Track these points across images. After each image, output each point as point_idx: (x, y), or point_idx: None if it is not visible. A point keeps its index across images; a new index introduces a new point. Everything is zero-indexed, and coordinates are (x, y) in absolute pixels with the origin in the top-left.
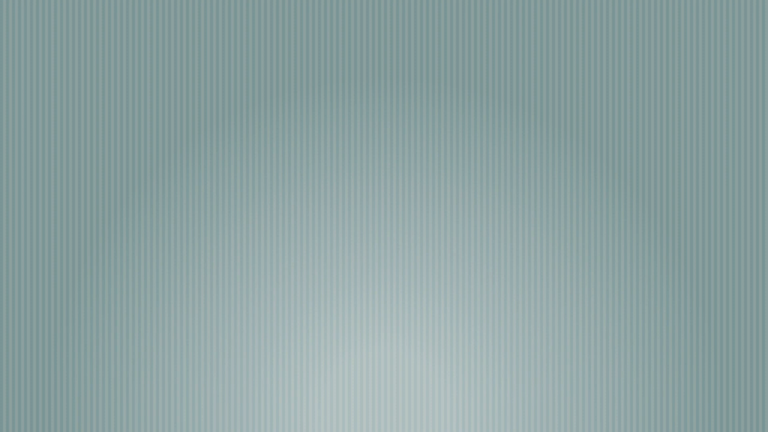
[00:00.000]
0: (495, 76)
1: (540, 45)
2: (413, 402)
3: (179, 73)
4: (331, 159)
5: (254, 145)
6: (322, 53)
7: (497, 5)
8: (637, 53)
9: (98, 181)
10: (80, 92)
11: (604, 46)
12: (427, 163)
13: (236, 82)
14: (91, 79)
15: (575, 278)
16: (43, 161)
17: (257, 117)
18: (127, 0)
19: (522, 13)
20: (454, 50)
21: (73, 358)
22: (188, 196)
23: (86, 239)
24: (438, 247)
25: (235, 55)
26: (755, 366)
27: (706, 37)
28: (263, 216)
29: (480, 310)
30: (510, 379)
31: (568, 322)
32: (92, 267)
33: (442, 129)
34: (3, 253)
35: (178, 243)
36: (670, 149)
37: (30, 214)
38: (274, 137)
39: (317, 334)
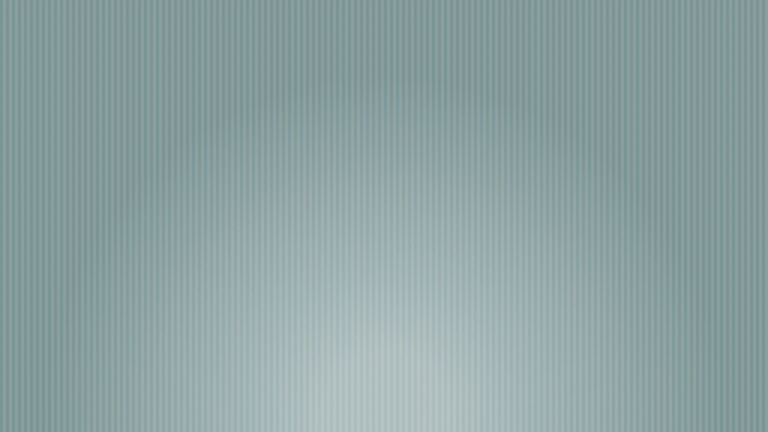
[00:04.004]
0: (495, 76)
1: (540, 45)
2: (413, 402)
3: (179, 73)
4: (331, 159)
5: (254, 145)
6: (322, 53)
7: (497, 5)
8: (637, 53)
9: (98, 181)
10: (80, 92)
11: (604, 46)
12: (427, 163)
13: (236, 82)
14: (91, 79)
15: (575, 278)
16: (43, 161)
17: (257, 117)
18: (127, 0)
19: (522, 13)
20: (454, 50)
21: (73, 358)
22: (188, 196)
23: (86, 239)
24: (438, 247)
25: (235, 55)
26: (755, 366)
27: (706, 37)
28: (263, 216)
29: (480, 310)
30: (510, 379)
31: (568, 322)
32: (92, 267)
33: (442, 129)
34: (3, 253)
35: (178, 243)
36: (670, 149)
37: (30, 214)
38: (274, 137)
39: (317, 334)
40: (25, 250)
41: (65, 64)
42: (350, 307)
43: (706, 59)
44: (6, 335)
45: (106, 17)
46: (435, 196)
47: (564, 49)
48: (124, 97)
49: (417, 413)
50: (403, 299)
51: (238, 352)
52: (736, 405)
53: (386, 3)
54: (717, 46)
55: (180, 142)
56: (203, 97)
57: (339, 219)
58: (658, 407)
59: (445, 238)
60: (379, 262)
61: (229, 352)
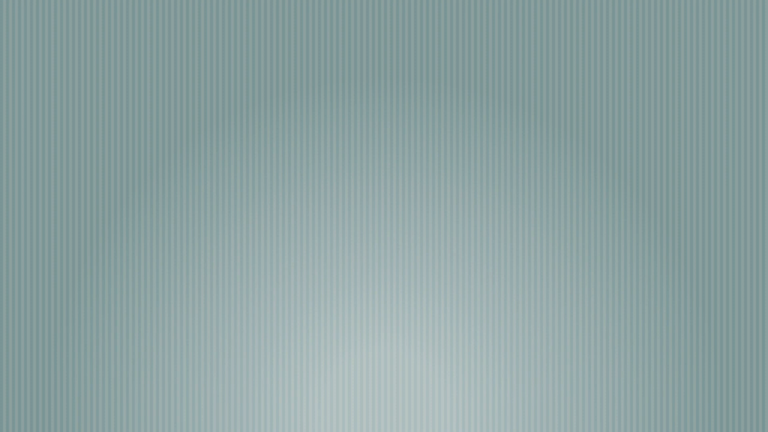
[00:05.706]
0: (495, 76)
1: (540, 45)
2: (413, 402)
3: (179, 73)
4: (331, 159)
5: (254, 145)
6: (322, 53)
7: (497, 5)
8: (637, 53)
9: (98, 181)
10: (80, 92)
11: (604, 46)
12: (427, 163)
13: (236, 82)
14: (91, 79)
15: (575, 278)
16: (43, 161)
17: (257, 117)
18: (127, 0)
19: (522, 13)
20: (454, 50)
21: (73, 358)
22: (188, 196)
23: (86, 239)
24: (438, 248)
25: (235, 55)
26: (755, 366)
27: (706, 37)
28: (263, 216)
29: (480, 310)
30: (510, 379)
31: (568, 322)
32: (92, 267)
33: (442, 129)
34: (3, 253)
35: (178, 243)
36: (670, 149)
37: (30, 214)
38: (274, 137)
39: (317, 334)
40: (25, 251)
41: (65, 64)
42: (350, 307)
43: (706, 59)
44: (6, 335)
45: (106, 17)
46: (435, 196)
47: (564, 49)
48: (124, 97)
49: (417, 413)
50: (403, 300)
51: (238, 352)
52: (736, 405)
53: (386, 3)
54: (717, 46)
55: (180, 142)
56: (203, 97)
57: (339, 219)
58: (658, 407)
59: (445, 238)
60: (379, 262)
61: (229, 352)
